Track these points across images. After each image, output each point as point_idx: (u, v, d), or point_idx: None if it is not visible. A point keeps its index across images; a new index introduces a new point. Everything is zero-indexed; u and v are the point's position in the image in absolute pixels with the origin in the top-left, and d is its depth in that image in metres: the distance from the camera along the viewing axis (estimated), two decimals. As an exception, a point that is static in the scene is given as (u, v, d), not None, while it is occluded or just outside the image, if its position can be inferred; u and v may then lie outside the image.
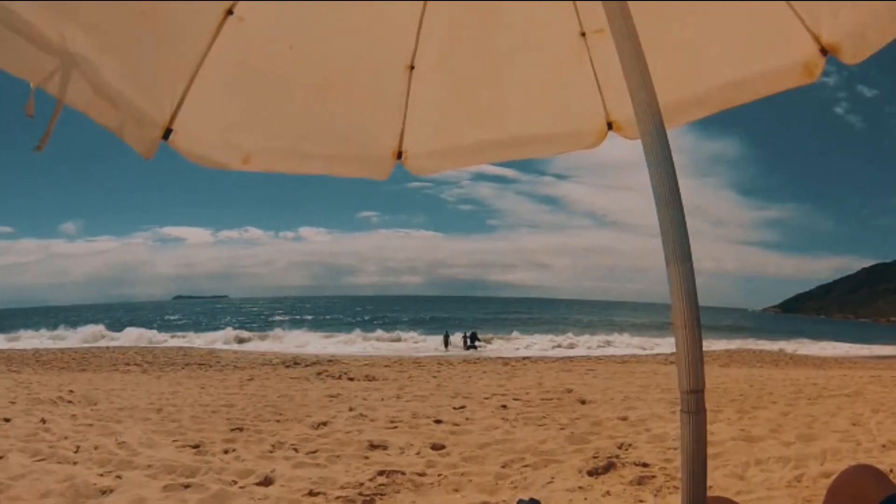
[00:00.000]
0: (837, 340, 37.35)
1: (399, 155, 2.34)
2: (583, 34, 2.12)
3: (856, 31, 1.67)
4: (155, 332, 32.96)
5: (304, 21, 1.97)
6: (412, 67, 2.19)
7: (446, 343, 28.63)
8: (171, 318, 65.82)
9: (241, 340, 30.10)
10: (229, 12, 1.79)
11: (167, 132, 1.83)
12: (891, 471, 4.38)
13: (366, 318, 57.67)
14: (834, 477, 1.48)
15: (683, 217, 1.36)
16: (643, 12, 1.52)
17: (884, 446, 5.29)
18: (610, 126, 2.29)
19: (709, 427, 1.40)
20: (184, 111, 1.84)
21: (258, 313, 76.40)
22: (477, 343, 28.56)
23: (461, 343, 28.69)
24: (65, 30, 1.35)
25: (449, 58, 2.22)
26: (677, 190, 1.36)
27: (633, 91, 1.41)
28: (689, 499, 1.34)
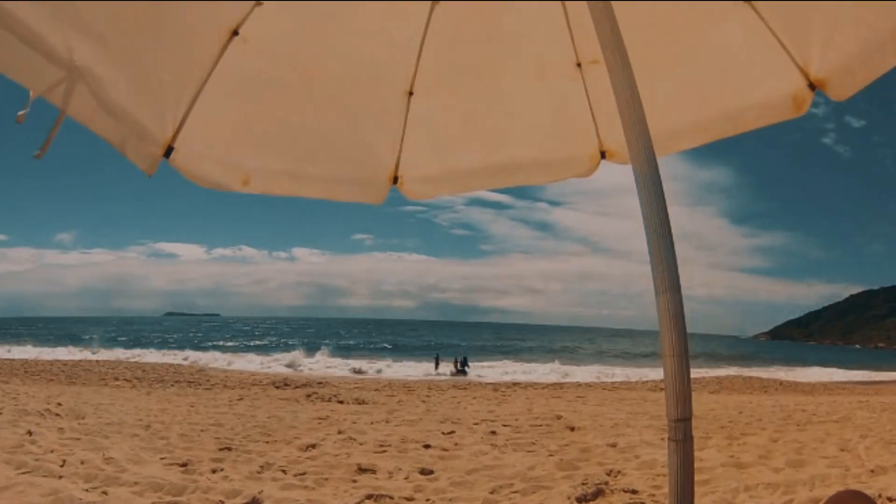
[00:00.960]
0: (826, 366, 37.44)
1: (395, 180, 2.37)
2: (578, 64, 2.17)
3: (844, 68, 1.71)
4: (145, 348, 32.72)
5: (307, 45, 2.01)
6: (411, 93, 2.23)
7: (437, 367, 28.53)
8: (163, 334, 65.27)
9: (231, 360, 29.83)
10: (234, 33, 1.83)
11: (168, 150, 1.85)
12: (879, 496, 4.39)
13: (357, 341, 57.37)
14: (822, 502, 1.50)
15: (673, 248, 1.39)
16: (638, 44, 1.56)
17: (872, 471, 5.29)
18: (603, 155, 2.33)
19: (699, 454, 1.42)
20: (186, 130, 1.87)
21: (250, 332, 75.88)
22: (467, 369, 28.45)
23: (452, 368, 28.56)
24: (72, 41, 1.36)
25: (447, 85, 2.26)
26: (667, 221, 1.39)
27: (625, 123, 1.44)
28: (677, 525, 1.35)
